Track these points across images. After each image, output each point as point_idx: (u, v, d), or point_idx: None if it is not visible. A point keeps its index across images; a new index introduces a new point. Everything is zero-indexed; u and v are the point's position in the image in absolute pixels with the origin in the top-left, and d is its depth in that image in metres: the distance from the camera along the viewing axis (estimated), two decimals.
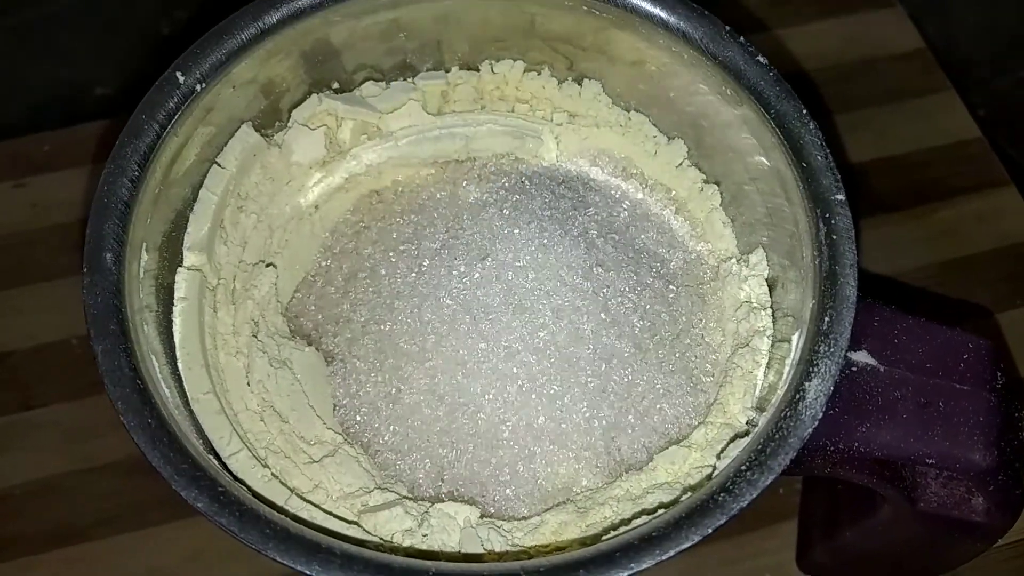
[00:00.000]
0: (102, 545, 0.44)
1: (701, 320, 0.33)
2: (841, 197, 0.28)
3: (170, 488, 0.25)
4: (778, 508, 0.44)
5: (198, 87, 0.30)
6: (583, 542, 0.28)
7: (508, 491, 0.30)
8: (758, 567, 0.44)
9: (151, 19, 0.63)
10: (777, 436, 0.25)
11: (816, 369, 0.25)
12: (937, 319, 0.30)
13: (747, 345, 0.31)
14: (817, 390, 0.25)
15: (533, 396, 0.30)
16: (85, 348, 0.47)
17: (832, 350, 0.26)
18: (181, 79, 0.29)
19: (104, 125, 0.54)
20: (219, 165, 0.32)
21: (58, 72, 0.61)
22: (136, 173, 0.28)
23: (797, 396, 0.25)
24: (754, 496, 0.24)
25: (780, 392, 0.27)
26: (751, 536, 0.44)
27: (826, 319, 0.26)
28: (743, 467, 0.24)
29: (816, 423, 0.25)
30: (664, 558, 0.23)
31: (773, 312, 0.31)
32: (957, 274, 0.50)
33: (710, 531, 0.24)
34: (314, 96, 0.35)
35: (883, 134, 0.54)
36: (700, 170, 0.35)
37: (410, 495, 0.30)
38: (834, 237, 0.27)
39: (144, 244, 0.29)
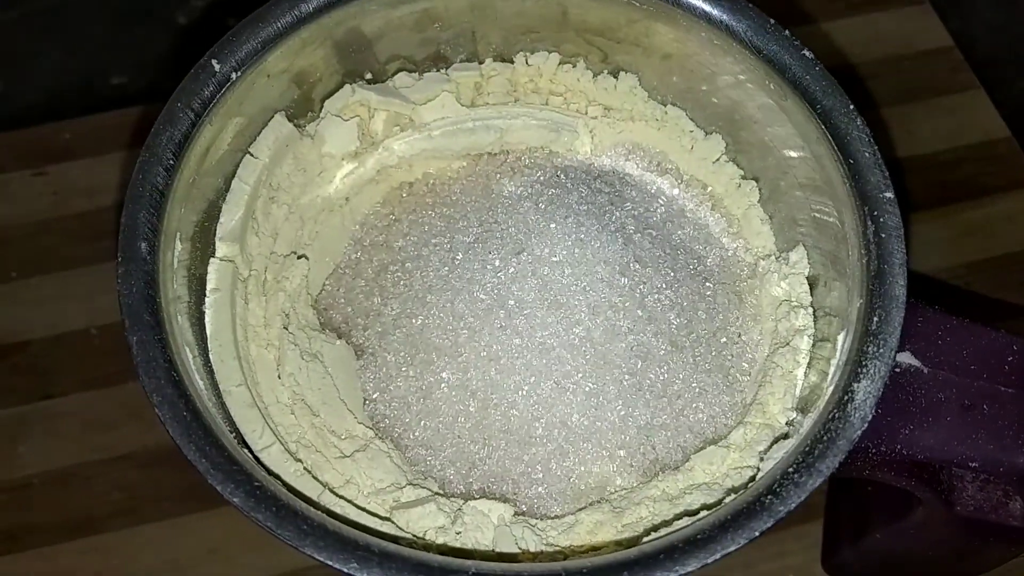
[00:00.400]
0: (119, 536, 0.44)
1: (738, 318, 0.32)
2: (890, 195, 0.27)
3: (193, 480, 0.24)
4: (803, 508, 0.43)
5: (233, 76, 0.29)
6: (619, 543, 0.27)
7: (540, 489, 0.30)
8: (781, 568, 0.43)
9: (168, 8, 0.63)
10: (825, 438, 0.24)
11: (865, 370, 0.25)
12: (972, 319, 0.29)
13: (787, 344, 0.30)
14: (866, 391, 0.25)
15: (567, 393, 0.30)
16: (104, 338, 0.48)
17: (881, 351, 0.25)
18: (217, 67, 0.29)
19: (124, 113, 0.53)
20: (252, 155, 0.32)
21: (75, 60, 0.61)
22: (171, 161, 0.28)
23: (846, 397, 0.25)
24: (802, 499, 0.23)
25: (826, 393, 0.26)
26: (775, 536, 0.43)
27: (875, 319, 0.26)
28: (790, 469, 0.24)
29: (865, 425, 0.24)
30: (710, 561, 0.23)
31: (814, 311, 0.31)
32: (987, 274, 0.50)
33: (757, 534, 0.23)
34: (347, 86, 0.34)
35: (911, 132, 0.54)
36: (738, 166, 0.35)
37: (441, 491, 0.30)
38: (883, 236, 0.27)
39: (178, 234, 0.28)
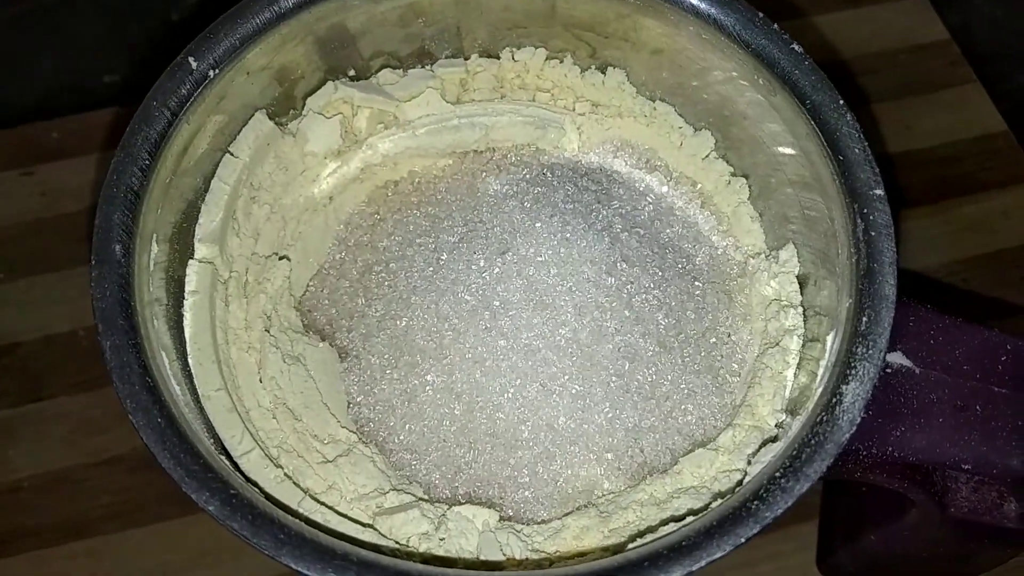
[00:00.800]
0: (111, 539, 0.43)
1: (727, 318, 0.32)
2: (880, 192, 0.27)
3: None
4: (798, 509, 0.43)
5: (211, 73, 0.29)
6: (606, 548, 0.27)
7: (527, 493, 0.29)
8: (777, 569, 0.43)
9: (161, 5, 0.62)
10: (813, 442, 0.24)
11: (854, 371, 0.24)
12: (966, 317, 0.29)
13: (776, 345, 0.30)
14: (855, 393, 0.24)
15: (554, 395, 0.29)
16: (93, 340, 0.47)
17: (870, 352, 0.25)
18: (194, 65, 0.28)
19: (113, 112, 0.53)
20: (232, 154, 0.31)
21: (67, 59, 0.60)
22: (147, 162, 0.27)
23: (834, 400, 0.24)
24: (788, 504, 0.23)
25: (815, 395, 0.26)
26: (769, 537, 0.42)
27: (864, 319, 0.25)
28: (777, 474, 0.24)
29: (854, 428, 0.24)
30: (694, 568, 0.22)
31: (804, 310, 0.30)
32: (984, 271, 0.49)
33: (743, 541, 0.23)
34: (330, 83, 0.34)
35: (907, 127, 0.53)
36: (728, 162, 0.34)
37: (426, 497, 0.29)
38: (872, 234, 0.26)
39: (154, 235, 0.28)
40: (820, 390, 0.26)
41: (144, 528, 0.44)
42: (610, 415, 0.29)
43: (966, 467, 0.27)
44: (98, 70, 0.60)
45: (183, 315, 0.29)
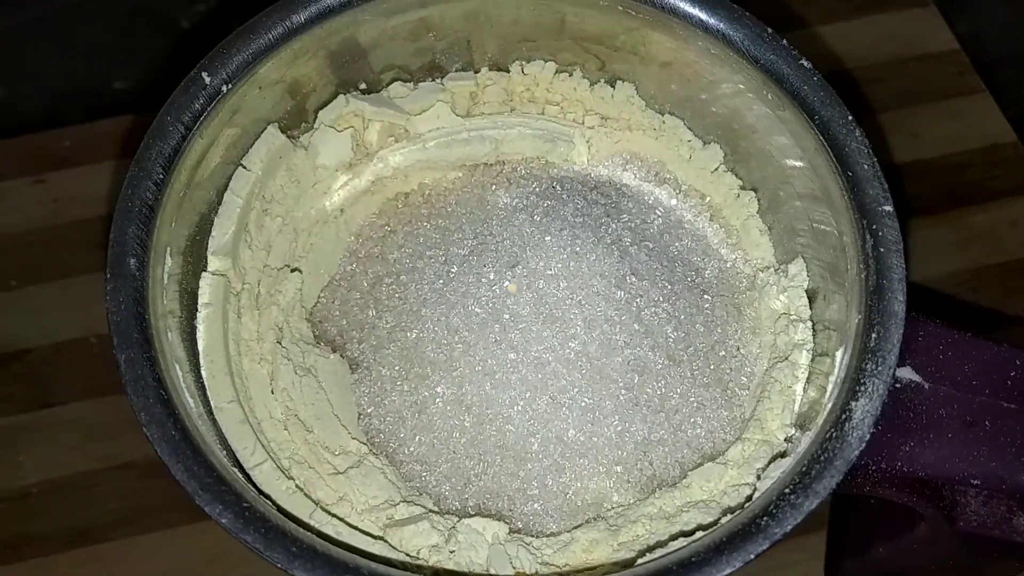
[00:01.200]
0: (120, 546, 0.44)
1: (737, 332, 0.32)
2: (889, 208, 0.27)
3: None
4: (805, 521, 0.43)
5: (224, 88, 0.29)
6: (615, 562, 0.27)
7: (536, 506, 0.30)
8: None
9: (170, 12, 0.63)
10: (822, 458, 0.24)
11: (863, 388, 0.25)
12: (972, 329, 0.29)
13: (786, 359, 0.30)
14: (864, 410, 0.24)
15: (563, 408, 0.30)
16: (103, 346, 0.47)
17: (880, 368, 0.25)
18: (207, 80, 0.29)
19: (124, 120, 0.53)
20: (244, 167, 0.32)
21: (76, 66, 0.61)
22: (161, 176, 0.27)
23: (843, 416, 0.24)
24: (798, 521, 0.23)
25: (824, 411, 0.26)
26: (778, 547, 0.43)
27: (873, 336, 0.25)
28: (786, 490, 0.24)
29: (863, 445, 0.24)
30: None
31: (813, 325, 0.31)
32: (992, 281, 0.49)
33: (752, 557, 0.23)
34: (341, 97, 0.34)
35: (915, 136, 0.53)
36: (737, 176, 0.34)
37: (435, 508, 0.29)
38: (881, 250, 0.26)
39: (168, 248, 0.28)
40: (829, 406, 0.26)
41: (152, 534, 0.44)
42: (619, 428, 0.30)
43: (975, 483, 0.27)
44: (108, 76, 0.60)
45: (196, 327, 0.29)
